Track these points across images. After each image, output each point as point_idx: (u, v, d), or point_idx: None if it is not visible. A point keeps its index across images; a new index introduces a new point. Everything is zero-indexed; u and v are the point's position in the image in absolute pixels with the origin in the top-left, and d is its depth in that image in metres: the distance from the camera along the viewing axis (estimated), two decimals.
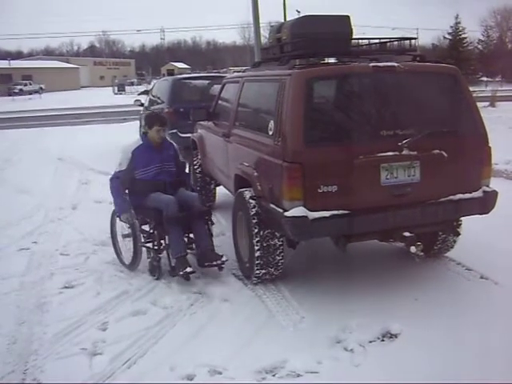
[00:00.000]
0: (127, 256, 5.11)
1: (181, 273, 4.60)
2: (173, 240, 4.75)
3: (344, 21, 4.95)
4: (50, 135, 16.87)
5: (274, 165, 4.12)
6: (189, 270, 4.58)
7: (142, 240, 5.00)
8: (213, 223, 5.04)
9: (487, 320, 3.86)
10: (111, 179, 5.06)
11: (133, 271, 5.01)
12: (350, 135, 4.09)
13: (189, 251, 4.92)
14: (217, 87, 7.44)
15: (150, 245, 4.97)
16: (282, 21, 13.38)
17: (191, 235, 5.00)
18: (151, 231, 4.95)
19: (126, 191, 5.07)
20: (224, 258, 4.76)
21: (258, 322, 4.02)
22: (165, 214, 4.71)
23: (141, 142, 5.09)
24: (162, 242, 4.87)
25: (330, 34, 4.71)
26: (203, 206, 5.14)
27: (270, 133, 4.26)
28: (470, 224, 4.83)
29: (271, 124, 4.25)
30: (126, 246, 5.16)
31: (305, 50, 4.60)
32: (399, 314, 3.95)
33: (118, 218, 5.21)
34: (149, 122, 5.08)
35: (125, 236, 5.15)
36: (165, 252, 4.85)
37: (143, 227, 5.06)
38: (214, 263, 4.76)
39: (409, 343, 3.61)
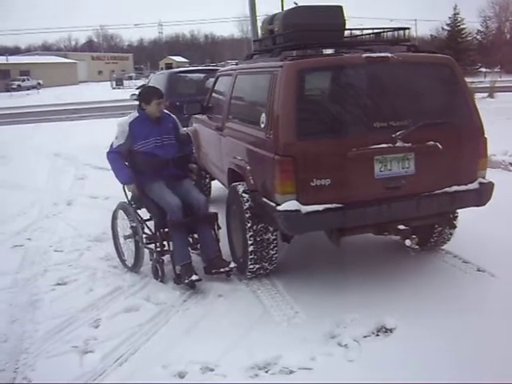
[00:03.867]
0: (129, 258, 4.96)
1: (186, 281, 4.41)
2: (177, 247, 4.55)
3: (337, 11, 4.87)
4: (47, 131, 16.81)
5: (266, 158, 4.06)
6: (194, 278, 4.39)
7: (144, 241, 4.79)
8: (219, 228, 4.78)
9: (484, 313, 3.82)
10: (108, 152, 4.79)
11: (136, 273, 4.86)
12: (343, 127, 4.03)
13: (193, 252, 4.74)
14: (212, 80, 7.38)
15: (152, 246, 4.77)
16: None
17: (195, 235, 4.78)
18: (153, 232, 4.74)
19: (126, 163, 4.83)
20: (232, 265, 4.57)
21: (252, 317, 3.98)
22: (169, 217, 4.52)
23: (137, 115, 4.83)
24: (165, 243, 4.65)
25: (322, 24, 4.62)
26: (209, 211, 4.83)
27: (262, 126, 4.20)
28: (466, 216, 4.78)
29: (263, 117, 4.19)
30: (129, 247, 4.98)
31: (297, 42, 4.53)
32: (394, 309, 3.90)
33: (116, 221, 5.06)
34: (146, 97, 4.81)
35: (126, 237, 4.94)
36: (168, 255, 4.66)
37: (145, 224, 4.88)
38: (222, 270, 4.57)
39: (404, 338, 3.56)
